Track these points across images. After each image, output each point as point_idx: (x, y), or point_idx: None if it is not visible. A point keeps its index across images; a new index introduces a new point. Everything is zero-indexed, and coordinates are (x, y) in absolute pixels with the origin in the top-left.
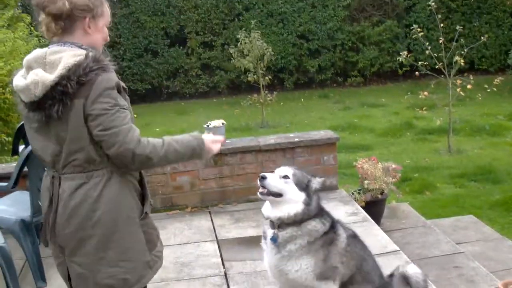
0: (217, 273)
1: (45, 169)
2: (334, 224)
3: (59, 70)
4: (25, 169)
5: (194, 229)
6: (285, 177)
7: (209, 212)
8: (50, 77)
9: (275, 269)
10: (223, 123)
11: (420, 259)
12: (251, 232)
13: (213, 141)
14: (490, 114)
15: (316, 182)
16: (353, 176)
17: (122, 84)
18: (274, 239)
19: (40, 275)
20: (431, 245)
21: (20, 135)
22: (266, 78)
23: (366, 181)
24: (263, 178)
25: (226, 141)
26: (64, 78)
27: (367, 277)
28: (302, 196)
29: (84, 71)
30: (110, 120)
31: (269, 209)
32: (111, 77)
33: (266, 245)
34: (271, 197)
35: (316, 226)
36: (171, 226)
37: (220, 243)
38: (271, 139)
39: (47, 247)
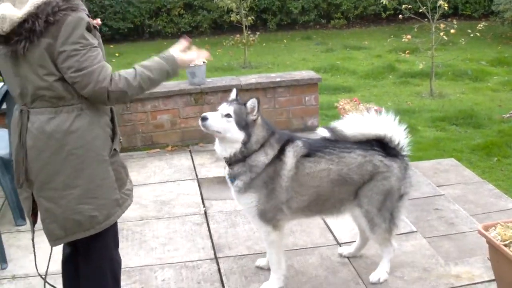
0: (197, 212)
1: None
2: (283, 150)
3: (27, 7)
4: (4, 106)
5: (174, 167)
6: (227, 115)
7: (190, 151)
8: (18, 13)
9: (236, 200)
10: (204, 62)
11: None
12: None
13: (182, 51)
14: (473, 59)
15: (250, 111)
16: (334, 118)
17: (93, 21)
18: (231, 180)
19: (19, 214)
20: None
21: None
22: (249, 18)
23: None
24: (205, 119)
25: (208, 80)
26: (32, 16)
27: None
28: (241, 135)
29: (53, 10)
30: (82, 61)
31: (217, 146)
32: (81, 16)
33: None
34: (212, 132)
35: (257, 159)
36: (151, 164)
37: (200, 181)
38: (252, 79)
39: (20, 187)
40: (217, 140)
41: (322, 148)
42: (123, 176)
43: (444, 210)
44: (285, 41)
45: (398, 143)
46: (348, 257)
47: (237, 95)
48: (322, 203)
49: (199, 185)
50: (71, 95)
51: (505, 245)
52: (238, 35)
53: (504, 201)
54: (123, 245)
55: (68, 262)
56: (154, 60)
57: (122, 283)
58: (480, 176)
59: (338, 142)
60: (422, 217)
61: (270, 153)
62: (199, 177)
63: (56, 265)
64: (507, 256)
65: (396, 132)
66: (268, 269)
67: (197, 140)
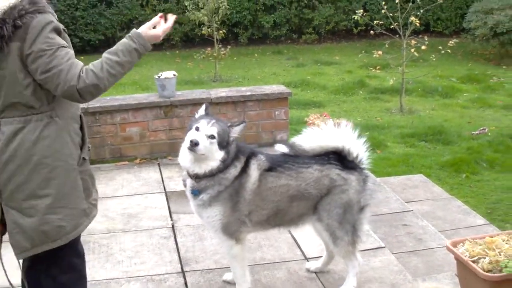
0: (164, 225)
1: None
2: (248, 163)
3: None
4: None
5: (142, 180)
6: (211, 137)
7: (158, 164)
8: None
9: (196, 213)
10: (174, 75)
11: (369, 216)
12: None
13: (151, 27)
14: (443, 76)
15: (235, 135)
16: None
17: (61, 26)
18: (195, 192)
19: None
20: (380, 203)
21: None
22: (221, 32)
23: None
24: (196, 144)
25: (178, 93)
26: None
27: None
28: (221, 154)
29: (20, 13)
30: (48, 61)
31: (187, 161)
32: (47, 17)
33: (187, 193)
34: (197, 154)
35: (228, 171)
36: (119, 177)
37: (168, 195)
38: (222, 92)
39: None
40: (187, 155)
41: (282, 163)
42: (90, 186)
43: (413, 226)
44: (256, 55)
45: (357, 156)
46: (315, 272)
47: (206, 108)
48: (281, 217)
49: (167, 199)
50: (41, 102)
51: (473, 261)
52: (209, 49)
53: (472, 218)
54: (89, 258)
55: (29, 278)
56: (120, 43)
57: None
58: (448, 192)
59: (297, 157)
60: (391, 233)
61: (238, 165)
62: (167, 190)
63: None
64: (475, 272)
65: (355, 144)
66: (235, 283)
67: (166, 153)
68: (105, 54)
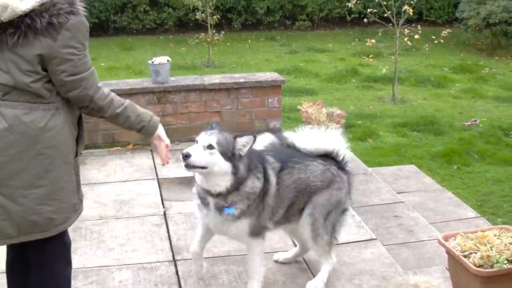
0: (156, 213)
1: None
2: (265, 170)
3: (32, 1)
4: None
5: (135, 166)
6: (210, 147)
7: (151, 150)
8: (21, 7)
9: (214, 227)
10: (168, 60)
11: (360, 207)
12: (191, 172)
13: (161, 135)
14: (436, 65)
15: (241, 147)
16: (296, 120)
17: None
18: (229, 211)
19: None
20: (371, 193)
21: None
22: (214, 17)
23: (309, 126)
24: (187, 156)
25: (171, 79)
26: (35, 12)
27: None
28: (228, 167)
29: (58, 12)
30: (77, 66)
31: (203, 182)
32: (83, 21)
33: (203, 209)
34: (198, 170)
35: (253, 185)
36: (111, 162)
37: (160, 182)
38: (216, 79)
39: None
40: (200, 178)
41: (290, 158)
42: (80, 180)
43: (404, 218)
44: (249, 41)
45: (343, 158)
46: (284, 263)
47: (211, 125)
48: (288, 213)
49: (159, 185)
50: (50, 93)
51: (465, 256)
52: (202, 34)
53: (463, 210)
54: (81, 244)
55: (15, 267)
56: (144, 110)
57: (79, 284)
58: (440, 183)
59: (296, 151)
60: (382, 224)
61: (260, 176)
62: (159, 177)
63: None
64: (466, 267)
65: (342, 146)
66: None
67: None
68: (130, 103)
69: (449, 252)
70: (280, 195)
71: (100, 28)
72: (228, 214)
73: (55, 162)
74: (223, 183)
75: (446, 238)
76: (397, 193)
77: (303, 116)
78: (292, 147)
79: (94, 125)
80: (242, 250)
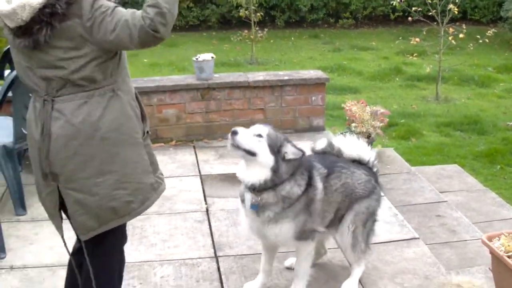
0: (198, 209)
1: (31, 95)
2: (311, 176)
3: None
4: (10, 94)
5: (177, 163)
6: (259, 135)
7: (194, 147)
8: (36, 0)
9: (256, 230)
10: (212, 57)
11: (403, 206)
12: (234, 169)
13: None
14: (480, 65)
15: (289, 152)
16: (339, 118)
17: None
18: (254, 207)
19: (20, 203)
20: (414, 192)
21: (6, 60)
22: (258, 14)
23: (353, 124)
24: (234, 133)
25: (215, 75)
26: (51, 1)
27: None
28: (271, 160)
29: None
30: (111, 19)
31: (243, 171)
32: None
33: (244, 208)
34: (240, 152)
35: (291, 191)
36: None
37: (203, 178)
38: (260, 76)
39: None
40: (242, 164)
41: (336, 163)
42: (155, 160)
43: (447, 217)
44: (292, 38)
45: (377, 170)
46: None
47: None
48: (334, 219)
49: (201, 182)
50: (103, 75)
51: (509, 257)
52: (246, 31)
53: (506, 210)
54: None
55: (77, 255)
56: None
57: None
58: (483, 183)
59: (340, 159)
60: (424, 223)
61: (302, 184)
62: (202, 173)
63: (57, 256)
64: (510, 267)
65: (375, 158)
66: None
67: (202, 136)
68: None
69: (492, 253)
70: (328, 199)
71: None
72: (257, 213)
73: (120, 145)
74: (260, 175)
75: (490, 238)
76: (440, 192)
77: (347, 114)
78: (336, 153)
79: None
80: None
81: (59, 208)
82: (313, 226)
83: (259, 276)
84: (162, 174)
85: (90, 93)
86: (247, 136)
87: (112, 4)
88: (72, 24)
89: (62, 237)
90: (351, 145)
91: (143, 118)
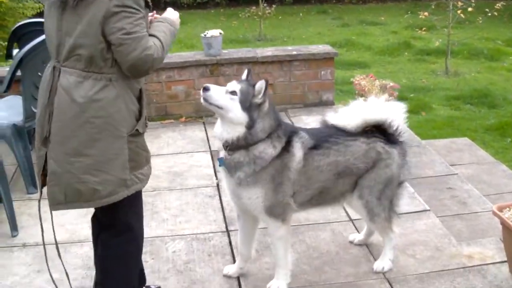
0: (209, 184)
1: (40, 74)
2: (290, 141)
3: None
4: (19, 73)
5: (187, 139)
6: (233, 92)
7: (203, 123)
8: None
9: (231, 193)
10: (220, 33)
11: (414, 179)
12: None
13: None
14: (489, 38)
15: (257, 94)
16: (349, 93)
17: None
18: (220, 161)
19: (31, 181)
20: (425, 165)
21: (14, 39)
22: None
23: (362, 98)
24: (206, 89)
25: (224, 51)
26: None
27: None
28: (244, 116)
29: None
30: (134, 25)
31: (218, 127)
32: None
33: (221, 168)
34: (213, 107)
35: (264, 151)
36: (164, 135)
37: (213, 153)
38: (268, 51)
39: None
40: (218, 121)
41: (328, 138)
42: (140, 159)
43: (457, 190)
44: (301, 14)
45: (397, 128)
46: (359, 245)
47: (248, 75)
48: (324, 196)
49: (212, 157)
50: (104, 62)
51: None
52: (254, 7)
53: None
54: None
55: (94, 231)
56: (164, 26)
57: None
58: (493, 156)
59: (340, 129)
60: (435, 196)
61: (277, 145)
62: (212, 149)
63: (68, 234)
64: None
65: (396, 116)
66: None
67: (211, 112)
68: (160, 34)
69: (503, 223)
70: (306, 173)
71: (152, 2)
72: (231, 173)
73: (103, 133)
74: (234, 132)
75: (501, 209)
76: (451, 165)
77: (356, 88)
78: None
79: (147, 98)
80: (294, 220)
81: (44, 174)
82: (285, 199)
83: (237, 260)
84: (144, 175)
85: (88, 74)
86: (219, 93)
87: (140, 12)
88: (100, 2)
89: (39, 201)
90: (352, 114)
91: (140, 118)
